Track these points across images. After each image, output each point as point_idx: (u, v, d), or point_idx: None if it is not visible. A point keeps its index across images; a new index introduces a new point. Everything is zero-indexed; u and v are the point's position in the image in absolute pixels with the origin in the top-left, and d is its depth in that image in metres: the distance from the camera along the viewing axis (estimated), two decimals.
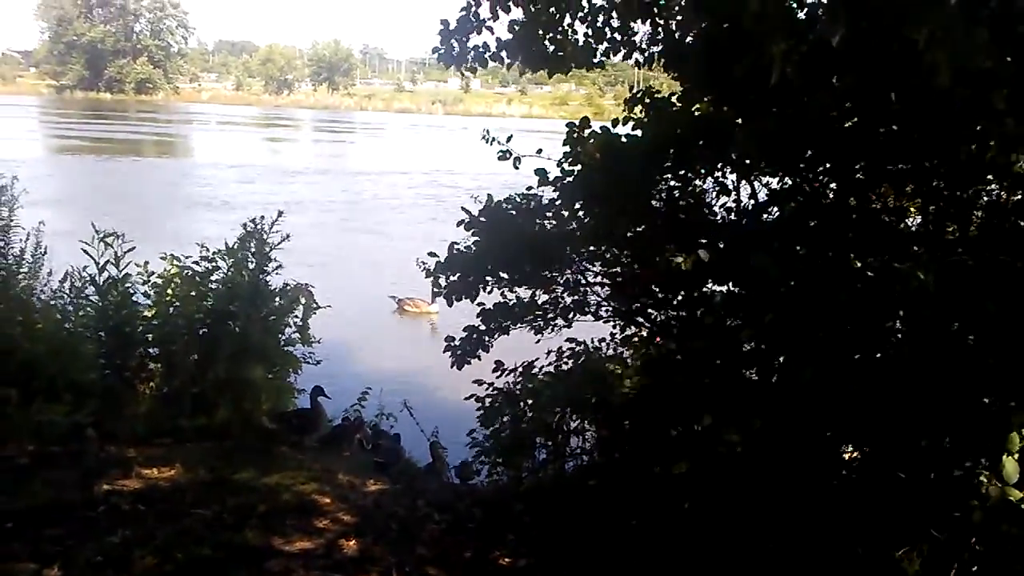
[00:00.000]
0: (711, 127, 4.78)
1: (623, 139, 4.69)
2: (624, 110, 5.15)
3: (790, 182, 4.99)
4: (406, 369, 11.88)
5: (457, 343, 5.24)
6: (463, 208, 5.05)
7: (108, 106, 77.10)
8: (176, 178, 33.31)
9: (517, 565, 4.98)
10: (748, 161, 4.61)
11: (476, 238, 5.04)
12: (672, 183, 5.01)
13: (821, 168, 4.59)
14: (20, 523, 4.93)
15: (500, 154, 4.81)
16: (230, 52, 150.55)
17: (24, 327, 7.52)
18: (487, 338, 5.25)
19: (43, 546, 4.68)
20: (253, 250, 7.60)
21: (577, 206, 4.90)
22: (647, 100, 5.05)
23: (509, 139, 4.86)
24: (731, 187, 5.10)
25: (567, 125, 4.72)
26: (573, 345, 5.77)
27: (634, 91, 5.06)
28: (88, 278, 7.57)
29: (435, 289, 5.22)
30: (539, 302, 5.39)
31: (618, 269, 5.35)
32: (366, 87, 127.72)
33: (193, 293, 7.73)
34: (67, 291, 8.08)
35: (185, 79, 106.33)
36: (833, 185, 4.81)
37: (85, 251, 7.32)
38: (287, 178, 34.72)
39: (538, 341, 5.67)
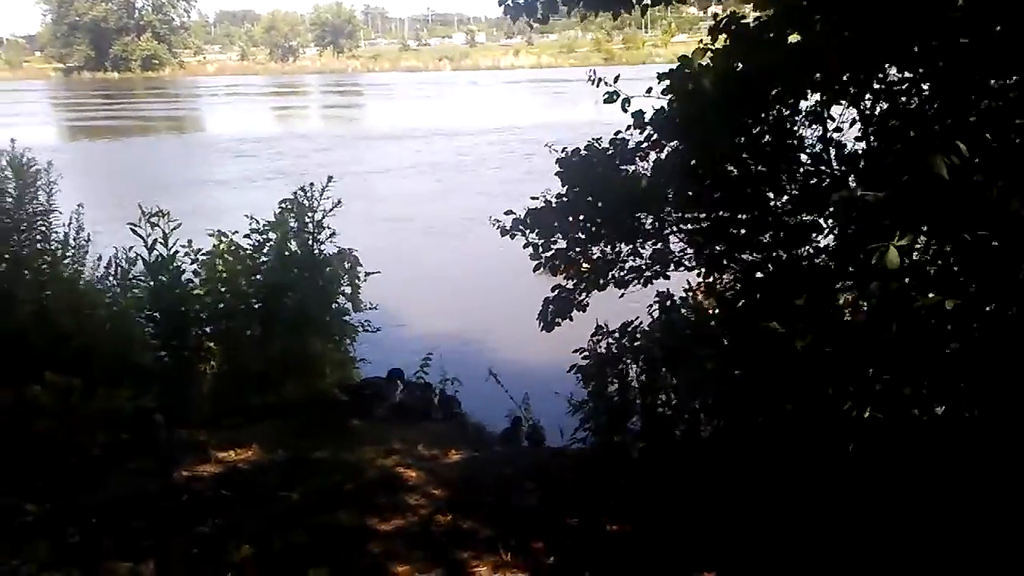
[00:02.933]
0: (810, 53, 4.42)
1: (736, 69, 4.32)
2: (704, 40, 4.78)
3: (886, 105, 4.65)
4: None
5: (548, 305, 4.94)
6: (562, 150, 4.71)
7: (119, 85, 76.55)
8: (252, 151, 31.58)
9: (625, 532, 4.73)
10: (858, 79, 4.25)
11: (562, 190, 4.73)
12: (769, 115, 4.65)
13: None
14: (104, 517, 4.74)
15: (606, 96, 4.44)
16: (232, 22, 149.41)
17: (75, 313, 7.31)
18: (576, 296, 4.95)
19: (132, 540, 4.49)
20: (307, 220, 7.31)
21: (670, 147, 4.55)
22: (733, 27, 4.66)
23: (616, 79, 4.50)
24: (825, 116, 4.76)
25: (680, 59, 4.35)
26: (657, 299, 5.45)
27: (718, 18, 4.67)
28: (137, 258, 7.31)
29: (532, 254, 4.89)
30: (624, 253, 5.08)
31: (705, 214, 5.02)
32: (371, 48, 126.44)
33: (243, 267, 7.49)
34: (114, 274, 7.87)
35: (190, 53, 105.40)
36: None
37: (133, 230, 7.05)
38: (365, 143, 33.45)
39: (621, 296, 5.37)
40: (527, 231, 5.01)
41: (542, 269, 4.88)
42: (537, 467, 5.68)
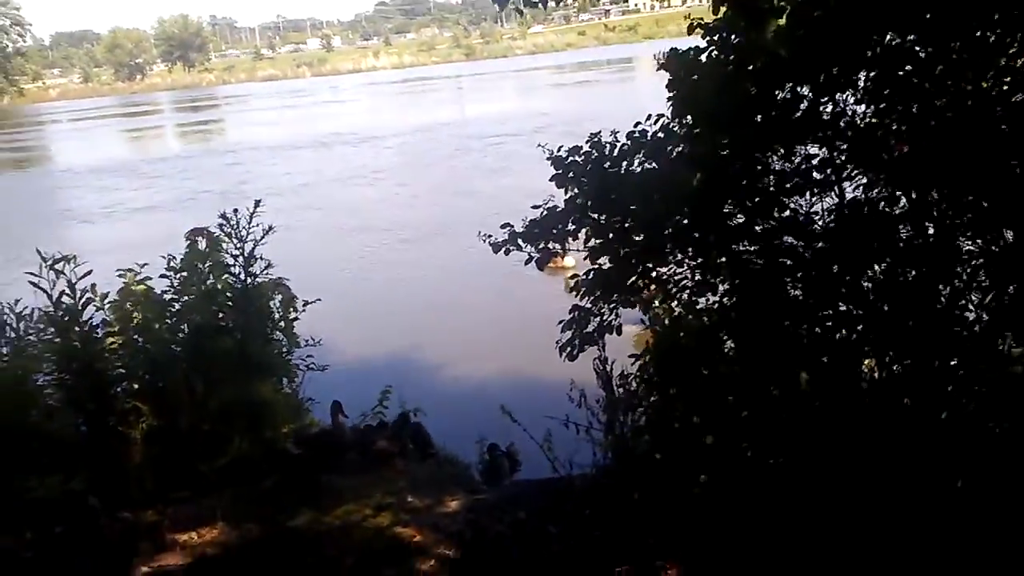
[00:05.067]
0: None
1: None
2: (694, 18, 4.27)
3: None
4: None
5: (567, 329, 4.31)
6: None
7: None
8: (159, 172, 29.80)
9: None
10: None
11: (570, 194, 4.15)
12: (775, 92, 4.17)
13: None
14: None
15: (669, 83, 3.89)
16: (70, 43, 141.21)
17: None
18: (596, 319, 4.34)
19: None
20: (235, 250, 6.46)
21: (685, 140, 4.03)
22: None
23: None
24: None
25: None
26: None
27: None
28: (38, 314, 6.25)
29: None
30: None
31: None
32: (223, 60, 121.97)
33: (159, 310, 6.53)
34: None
35: (27, 79, 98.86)
36: None
37: (33, 283, 6.02)
38: (282, 154, 31.61)
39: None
40: (526, 244, 4.38)
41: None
42: (549, 506, 5.04)
